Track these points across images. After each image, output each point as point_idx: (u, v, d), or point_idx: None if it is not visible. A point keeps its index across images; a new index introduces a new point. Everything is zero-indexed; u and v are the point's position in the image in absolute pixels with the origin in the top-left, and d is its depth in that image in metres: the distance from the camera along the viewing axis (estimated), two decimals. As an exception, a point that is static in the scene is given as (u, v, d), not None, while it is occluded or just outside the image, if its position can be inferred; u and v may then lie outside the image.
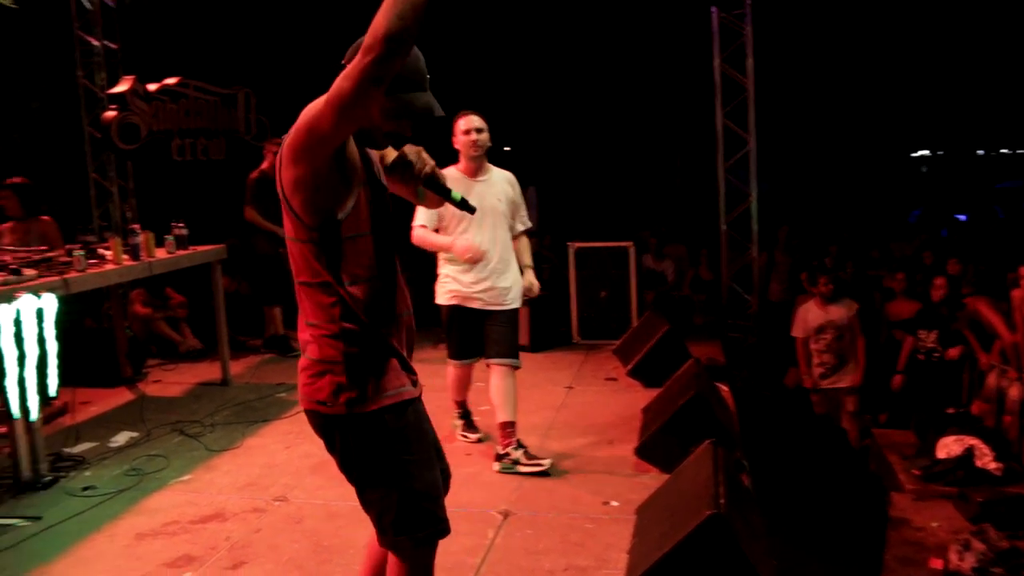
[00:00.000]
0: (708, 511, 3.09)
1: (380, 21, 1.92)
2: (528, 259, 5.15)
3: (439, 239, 4.79)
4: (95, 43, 9.04)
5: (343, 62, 2.21)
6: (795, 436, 7.00)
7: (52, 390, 4.95)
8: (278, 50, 11.03)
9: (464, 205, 2.49)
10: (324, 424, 2.37)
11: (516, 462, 4.75)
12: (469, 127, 4.76)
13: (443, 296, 4.97)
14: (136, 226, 6.08)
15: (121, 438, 5.62)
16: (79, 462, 5.19)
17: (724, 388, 5.92)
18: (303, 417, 5.78)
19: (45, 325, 4.76)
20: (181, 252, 6.37)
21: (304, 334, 2.36)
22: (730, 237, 8.68)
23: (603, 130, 13.69)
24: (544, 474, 4.69)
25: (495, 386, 4.86)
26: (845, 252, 9.77)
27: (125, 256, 5.85)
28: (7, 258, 5.19)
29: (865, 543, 4.64)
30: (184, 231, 6.43)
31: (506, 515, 4.16)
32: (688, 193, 14.32)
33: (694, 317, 9.36)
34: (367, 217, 2.29)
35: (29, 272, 4.92)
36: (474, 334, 4.94)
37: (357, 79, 2.00)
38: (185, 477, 4.91)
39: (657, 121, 14.02)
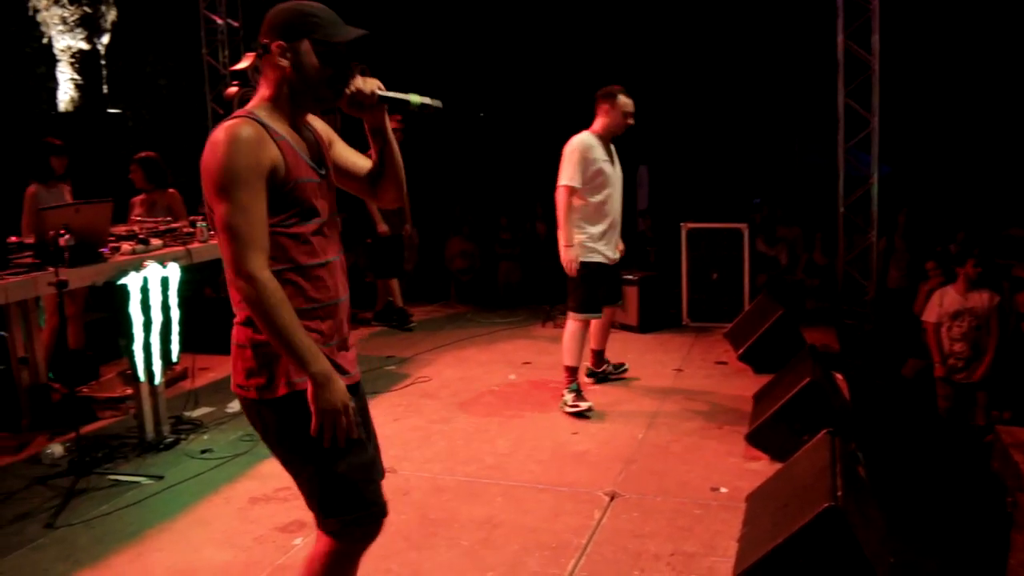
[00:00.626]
0: (825, 503, 2.99)
1: (249, 297, 2.12)
2: None
3: (566, 230, 5.28)
4: (219, 21, 9.32)
5: (261, 40, 2.27)
6: (913, 429, 6.74)
7: (174, 355, 5.15)
8: (394, 26, 11.15)
9: (425, 108, 2.45)
10: (246, 407, 2.36)
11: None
12: (629, 111, 5.43)
13: (588, 255, 5.39)
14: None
15: (236, 404, 5.79)
16: (198, 426, 5.38)
17: (839, 377, 5.72)
18: (411, 390, 5.94)
19: (169, 293, 4.96)
20: (297, 225, 6.53)
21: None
22: (848, 220, 8.39)
23: (718, 108, 13.39)
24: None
25: (602, 320, 5.76)
26: (972, 239, 9.31)
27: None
28: (135, 228, 5.41)
29: (986, 545, 4.43)
30: (301, 204, 6.56)
31: (612, 496, 4.13)
32: (806, 174, 13.88)
33: (806, 302, 9.10)
34: (281, 210, 2.24)
35: (156, 242, 5.12)
36: (602, 287, 5.54)
37: (224, 251, 2.15)
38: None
39: (775, 99, 13.62)
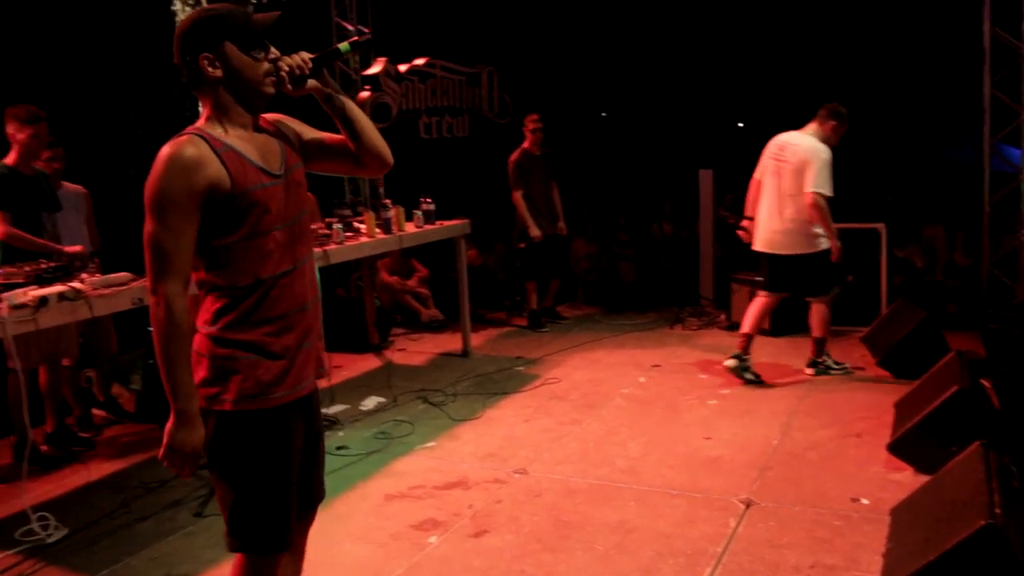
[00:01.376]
0: (982, 520, 2.85)
1: (155, 336, 2.20)
2: None
3: (831, 227, 5.79)
4: (350, 28, 9.51)
5: (184, 58, 2.26)
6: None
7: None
8: (519, 29, 11.22)
9: (356, 45, 2.51)
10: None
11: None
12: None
13: (823, 244, 5.86)
14: (387, 201, 6.38)
15: (370, 402, 5.95)
16: (334, 423, 5.53)
17: (987, 384, 5.44)
18: (541, 391, 5.96)
19: (308, 293, 5.10)
20: (429, 226, 6.65)
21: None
22: (994, 219, 7.97)
23: (854, 100, 12.93)
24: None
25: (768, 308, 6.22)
26: None
27: (378, 229, 6.16)
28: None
29: None
30: (431, 206, 6.69)
31: (748, 504, 4.04)
32: (946, 170, 13.29)
33: (947, 305, 8.70)
34: (235, 225, 2.25)
35: (295, 244, 5.28)
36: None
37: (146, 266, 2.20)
38: (430, 444, 5.12)
39: (913, 91, 13.07)
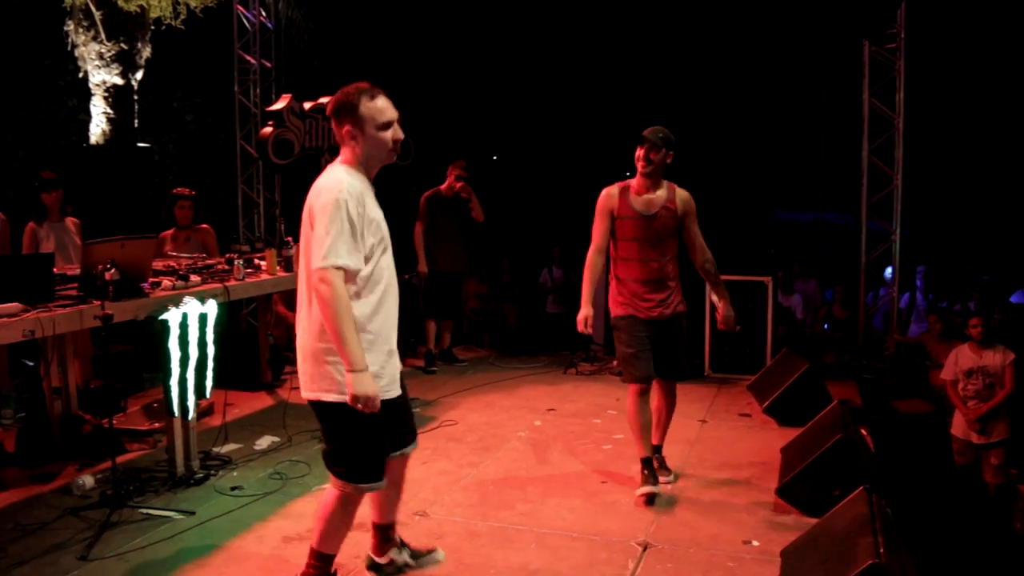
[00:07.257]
0: (868, 560, 3.01)
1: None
2: None
3: None
4: (252, 62, 9.45)
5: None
6: (935, 487, 6.73)
7: (207, 391, 5.17)
8: (426, 74, 11.33)
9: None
10: None
11: None
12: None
13: None
14: (289, 239, 6.31)
15: (264, 442, 5.83)
16: (226, 462, 5.40)
17: (864, 432, 5.74)
18: (439, 433, 5.97)
19: (207, 329, 5.00)
20: (330, 265, 6.58)
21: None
22: (869, 275, 8.45)
23: (744, 162, 13.49)
24: None
25: None
26: (990, 297, 9.39)
27: (279, 267, 6.09)
28: (175, 264, 5.47)
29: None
30: (333, 245, 6.64)
31: (645, 547, 4.14)
32: (827, 231, 14.00)
33: (825, 355, 9.12)
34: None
35: (195, 278, 5.18)
36: None
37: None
38: (327, 485, 5.02)
39: (801, 153, 13.75)
